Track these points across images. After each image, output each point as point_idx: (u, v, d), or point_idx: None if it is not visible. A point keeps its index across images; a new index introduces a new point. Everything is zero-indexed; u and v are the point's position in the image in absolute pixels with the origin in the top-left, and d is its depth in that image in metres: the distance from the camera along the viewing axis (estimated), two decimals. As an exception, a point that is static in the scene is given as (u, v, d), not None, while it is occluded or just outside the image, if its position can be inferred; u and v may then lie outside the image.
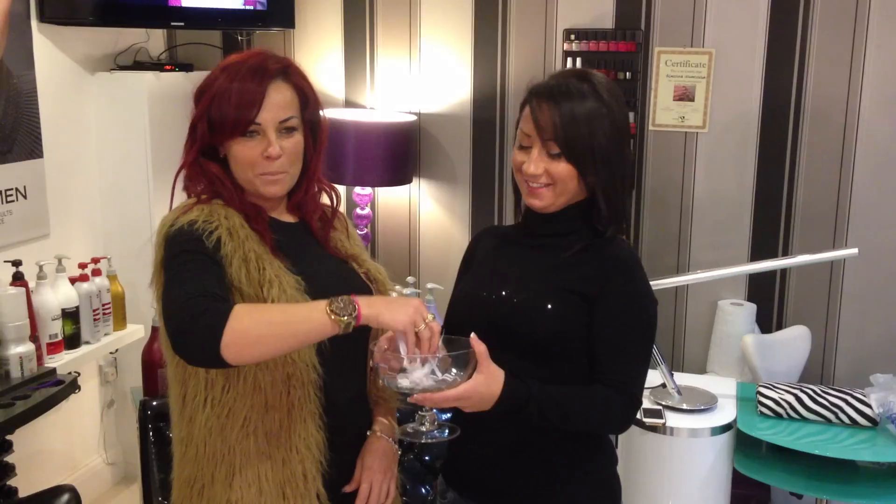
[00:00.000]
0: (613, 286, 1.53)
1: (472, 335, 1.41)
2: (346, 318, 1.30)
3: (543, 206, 1.55)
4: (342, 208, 1.70)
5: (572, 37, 3.32)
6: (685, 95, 3.27)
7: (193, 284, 1.35)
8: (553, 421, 1.47)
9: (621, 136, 1.55)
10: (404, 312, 1.33)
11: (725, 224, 3.33)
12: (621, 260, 1.57)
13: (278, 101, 1.46)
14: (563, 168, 1.51)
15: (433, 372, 1.37)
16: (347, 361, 1.55)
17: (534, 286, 1.55)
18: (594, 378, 1.52)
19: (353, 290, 1.43)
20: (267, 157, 1.45)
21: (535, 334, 1.51)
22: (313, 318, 1.31)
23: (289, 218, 1.59)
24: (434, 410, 1.43)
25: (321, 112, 1.57)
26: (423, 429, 1.43)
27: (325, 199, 1.66)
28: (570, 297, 1.52)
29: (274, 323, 1.32)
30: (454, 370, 1.38)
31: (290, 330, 1.32)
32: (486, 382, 1.40)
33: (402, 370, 1.36)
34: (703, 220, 3.35)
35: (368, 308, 1.33)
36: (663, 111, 3.30)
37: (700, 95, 3.25)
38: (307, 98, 1.52)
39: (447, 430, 1.46)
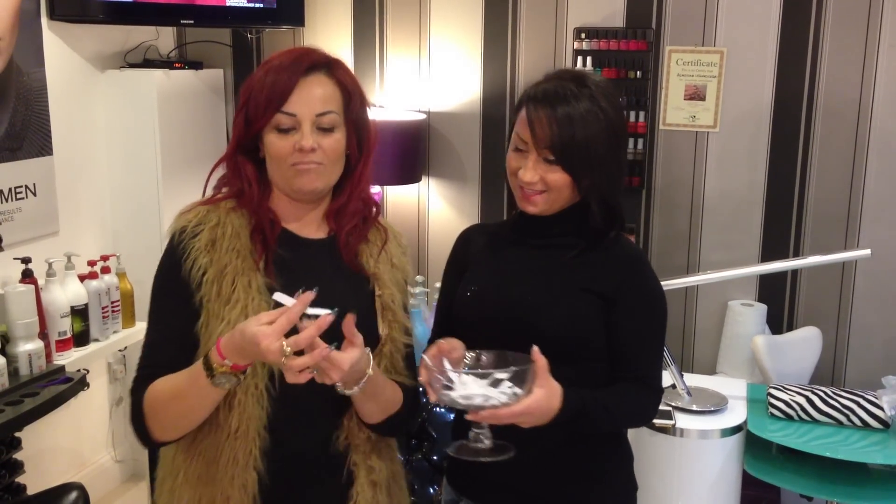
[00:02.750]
0: (630, 285, 1.54)
1: (535, 349, 1.38)
2: (220, 379, 1.24)
3: (538, 212, 1.55)
4: None
5: (582, 35, 3.30)
6: (696, 95, 3.25)
7: (149, 350, 1.37)
8: (601, 426, 1.50)
9: (618, 141, 1.55)
10: (261, 353, 1.22)
11: (736, 224, 3.31)
12: (632, 259, 1.58)
13: (317, 94, 1.38)
14: (558, 177, 1.50)
15: (485, 386, 1.34)
16: (306, 405, 1.40)
17: (551, 286, 1.54)
18: (620, 375, 1.54)
19: (341, 305, 1.35)
20: (299, 150, 1.36)
21: (558, 335, 1.50)
22: (199, 382, 1.26)
23: (316, 233, 1.47)
24: (486, 426, 1.38)
25: (369, 114, 1.47)
26: (483, 446, 1.38)
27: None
28: (589, 297, 1.52)
29: (169, 402, 1.30)
30: (507, 384, 1.34)
31: (185, 405, 1.30)
32: (547, 397, 1.39)
33: (450, 387, 1.33)
34: (714, 219, 3.33)
35: (231, 358, 1.24)
36: (674, 110, 3.29)
37: (711, 95, 3.23)
38: (351, 95, 1.42)
39: (502, 449, 1.40)
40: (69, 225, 3.07)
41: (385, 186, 3.56)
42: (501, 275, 1.60)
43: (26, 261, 2.64)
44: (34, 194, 2.88)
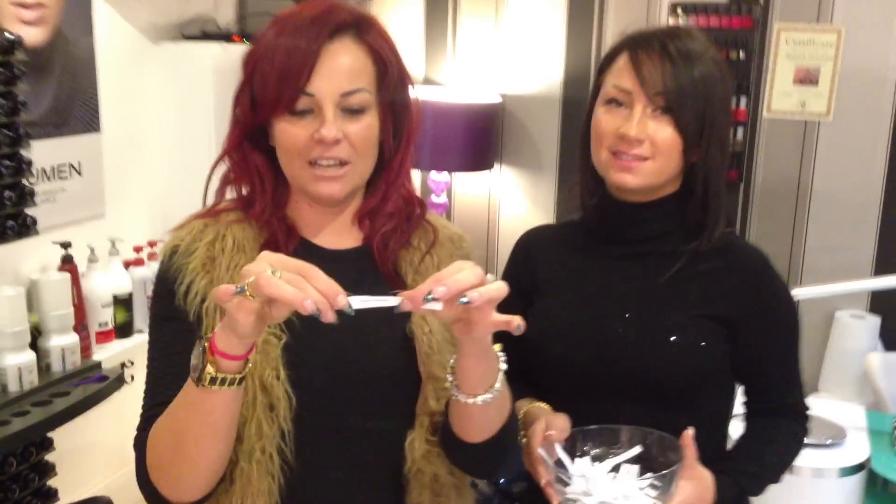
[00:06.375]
0: (758, 302, 1.27)
1: (687, 434, 1.14)
2: (199, 373, 0.93)
3: (637, 185, 1.25)
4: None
5: (679, 10, 3.00)
6: (807, 78, 2.92)
7: (153, 390, 1.08)
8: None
9: (728, 114, 1.32)
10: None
11: (847, 226, 2.98)
12: (755, 266, 1.30)
13: (342, 66, 1.05)
14: (669, 136, 1.22)
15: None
16: (339, 473, 1.10)
17: (655, 316, 1.26)
18: (765, 408, 1.32)
19: (369, 340, 1.08)
20: (319, 141, 1.04)
21: (671, 379, 1.23)
22: (187, 391, 0.96)
23: (345, 242, 1.16)
24: None
25: (410, 91, 1.14)
26: None
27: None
28: (707, 324, 1.25)
29: (162, 428, 1.00)
30: (629, 470, 1.13)
31: (176, 426, 0.98)
32: (697, 493, 1.16)
33: (563, 480, 1.11)
34: (822, 221, 3.00)
35: (226, 341, 0.92)
36: (781, 96, 2.96)
37: (825, 79, 2.89)
38: (386, 66, 1.10)
39: None
40: (116, 208, 2.89)
41: (454, 173, 3.33)
42: (585, 304, 1.30)
43: (66, 245, 2.46)
44: (79, 173, 2.71)
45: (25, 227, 2.26)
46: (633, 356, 1.24)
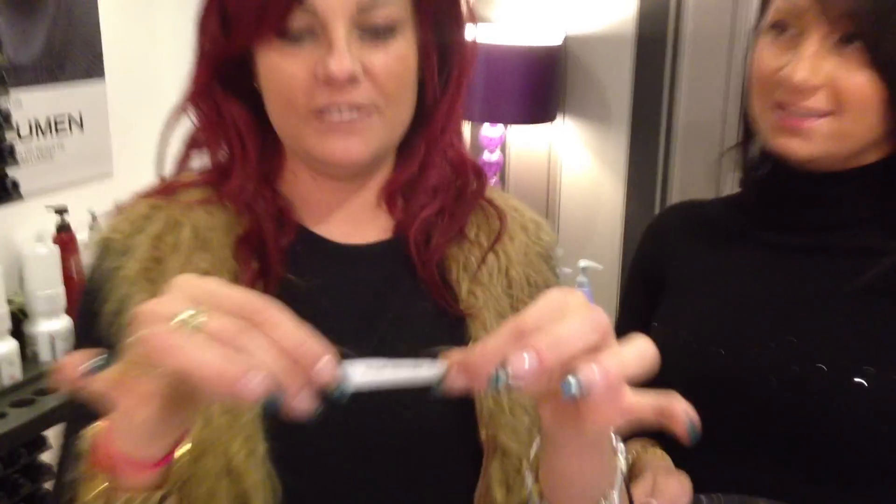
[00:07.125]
0: None
1: None
2: (87, 484, 0.56)
3: (809, 155, 0.87)
4: None
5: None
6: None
7: (59, 475, 0.73)
8: None
9: None
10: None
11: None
12: None
13: None
14: (861, 80, 0.83)
15: None
16: None
17: (839, 339, 0.87)
18: None
19: (402, 390, 0.72)
20: (325, 80, 0.70)
21: (854, 437, 0.85)
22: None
23: (366, 234, 0.81)
24: None
25: (464, 13, 0.83)
26: None
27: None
28: None
29: None
30: None
31: None
32: None
33: None
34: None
35: (125, 435, 0.54)
36: None
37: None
38: None
39: None
40: (125, 166, 2.57)
41: (509, 126, 2.95)
42: (729, 315, 0.93)
43: (61, 211, 2.13)
44: (80, 127, 2.40)
45: (6, 192, 1.93)
46: (793, 400, 0.86)
